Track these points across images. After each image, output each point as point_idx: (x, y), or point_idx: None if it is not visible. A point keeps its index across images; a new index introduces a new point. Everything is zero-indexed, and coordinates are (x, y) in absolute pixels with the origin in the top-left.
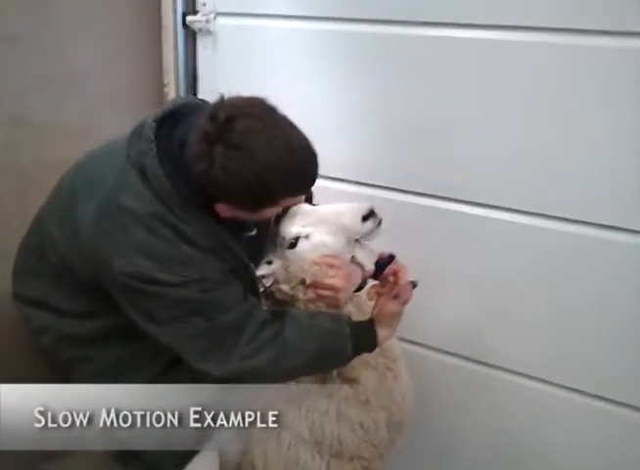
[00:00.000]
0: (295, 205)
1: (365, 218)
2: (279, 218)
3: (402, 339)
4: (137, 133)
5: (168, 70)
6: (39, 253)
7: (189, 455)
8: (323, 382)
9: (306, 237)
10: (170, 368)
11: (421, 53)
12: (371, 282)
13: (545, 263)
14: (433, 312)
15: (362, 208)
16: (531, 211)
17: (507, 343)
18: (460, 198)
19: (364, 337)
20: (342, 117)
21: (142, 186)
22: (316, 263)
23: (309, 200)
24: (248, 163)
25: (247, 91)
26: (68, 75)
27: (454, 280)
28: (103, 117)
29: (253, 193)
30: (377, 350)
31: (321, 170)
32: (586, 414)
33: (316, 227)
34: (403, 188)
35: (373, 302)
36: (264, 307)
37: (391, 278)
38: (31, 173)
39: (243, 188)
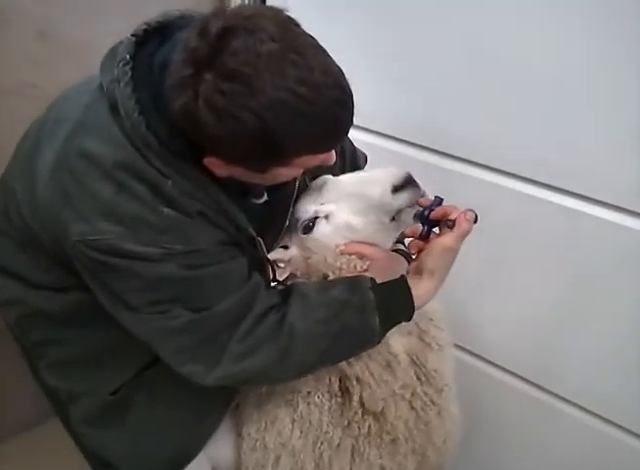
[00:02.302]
0: (324, 165)
1: (397, 189)
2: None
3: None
4: (112, 54)
5: None
6: (5, 215)
7: (177, 467)
8: (342, 407)
9: (326, 217)
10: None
11: None
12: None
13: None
14: (492, 321)
15: (393, 174)
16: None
17: (575, 371)
18: (522, 175)
19: (395, 300)
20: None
21: (113, 125)
22: (342, 253)
23: (356, 162)
24: (246, 99)
25: (320, 22)
26: None
27: (521, 286)
28: None
29: (254, 145)
30: (420, 378)
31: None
32: None
33: (339, 204)
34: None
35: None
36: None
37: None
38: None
39: (238, 137)
